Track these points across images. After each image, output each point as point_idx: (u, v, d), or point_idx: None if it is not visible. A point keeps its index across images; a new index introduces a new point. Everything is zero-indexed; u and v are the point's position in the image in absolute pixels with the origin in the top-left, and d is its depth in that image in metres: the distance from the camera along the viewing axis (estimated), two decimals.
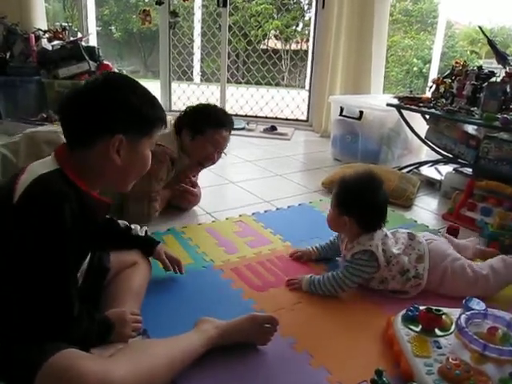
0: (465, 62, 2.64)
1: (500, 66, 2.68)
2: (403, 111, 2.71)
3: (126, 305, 1.25)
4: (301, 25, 11.12)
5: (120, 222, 1.50)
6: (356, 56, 3.70)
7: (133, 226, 1.53)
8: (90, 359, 0.94)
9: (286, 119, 4.43)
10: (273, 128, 4.02)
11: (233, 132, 2.03)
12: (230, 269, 1.68)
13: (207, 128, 1.97)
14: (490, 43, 2.71)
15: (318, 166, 3.14)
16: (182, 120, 2.05)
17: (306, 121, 4.35)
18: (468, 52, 9.15)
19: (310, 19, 8.16)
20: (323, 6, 3.89)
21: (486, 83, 2.38)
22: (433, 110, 2.53)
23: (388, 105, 2.72)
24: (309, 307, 1.48)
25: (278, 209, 2.30)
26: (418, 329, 1.28)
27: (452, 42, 9.41)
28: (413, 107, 2.62)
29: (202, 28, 5.04)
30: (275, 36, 10.92)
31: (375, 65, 3.68)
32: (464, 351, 1.18)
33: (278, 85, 5.60)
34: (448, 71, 2.68)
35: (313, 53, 4.19)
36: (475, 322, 1.24)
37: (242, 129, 4.04)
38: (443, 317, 1.27)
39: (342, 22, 3.72)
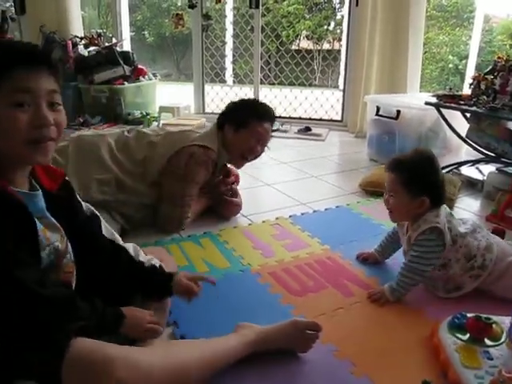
0: (508, 56, 2.53)
1: None
2: (442, 110, 2.63)
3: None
4: (332, 24, 11.01)
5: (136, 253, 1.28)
6: (391, 54, 3.62)
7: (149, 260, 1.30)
8: (115, 346, 0.92)
9: (321, 120, 4.39)
10: (307, 129, 3.98)
11: None
12: (267, 273, 1.66)
13: (250, 120, 1.97)
14: None
15: (353, 167, 3.09)
16: (224, 115, 2.06)
17: (341, 121, 4.29)
18: (507, 46, 8.85)
19: (342, 18, 8.05)
20: (357, 4, 3.83)
21: None
22: (474, 108, 2.44)
23: (427, 103, 2.64)
24: (350, 313, 1.44)
25: (314, 211, 2.27)
26: (465, 338, 1.22)
27: (490, 37, 9.13)
28: (453, 105, 2.53)
29: (234, 30, 5.04)
30: (307, 36, 10.85)
31: (411, 63, 3.59)
32: None
33: (310, 85, 5.54)
34: (490, 67, 2.57)
35: (346, 52, 4.13)
36: None
37: (276, 130, 4.00)
38: (493, 325, 1.21)
39: (376, 20, 3.65)
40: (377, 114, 3.02)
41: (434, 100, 2.64)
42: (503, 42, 9.11)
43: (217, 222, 2.10)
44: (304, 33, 10.92)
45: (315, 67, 8.98)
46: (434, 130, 2.85)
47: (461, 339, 1.22)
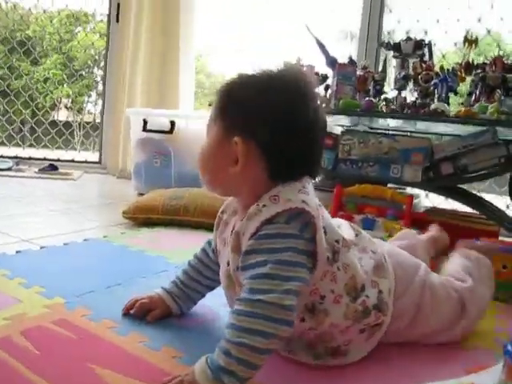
0: (298, 58, 2.02)
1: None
2: None
3: None
4: (94, 95, 10.04)
5: None
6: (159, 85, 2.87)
7: None
8: None
9: (73, 161, 3.30)
10: (52, 167, 2.86)
11: None
12: None
13: None
14: (319, 45, 2.19)
15: (115, 201, 2.11)
16: None
17: (99, 162, 3.29)
18: None
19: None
20: (117, 20, 3.01)
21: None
22: None
23: (210, 105, 1.91)
24: None
25: (42, 247, 1.20)
26: None
27: None
28: None
29: None
30: (65, 106, 9.64)
31: (183, 89, 2.90)
32: None
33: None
34: None
35: (104, 79, 3.23)
36: None
37: (8, 169, 2.78)
38: None
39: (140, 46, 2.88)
40: (144, 130, 2.15)
41: None
42: None
43: None
44: (63, 101, 9.69)
45: (75, 140, 7.79)
46: None
47: None
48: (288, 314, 0.58)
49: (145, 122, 2.14)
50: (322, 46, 2.17)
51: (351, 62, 2.03)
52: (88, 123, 8.33)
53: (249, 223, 0.64)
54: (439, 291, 0.77)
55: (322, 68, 2.10)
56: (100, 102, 6.99)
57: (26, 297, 0.85)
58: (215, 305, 0.85)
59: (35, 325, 0.73)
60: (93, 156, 3.37)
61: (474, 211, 1.59)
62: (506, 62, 1.63)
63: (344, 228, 0.78)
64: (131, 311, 0.81)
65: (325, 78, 2.02)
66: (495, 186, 2.09)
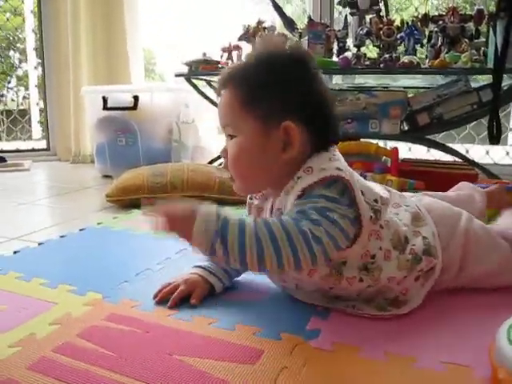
0: (259, 20, 1.95)
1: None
2: (199, 83, 1.83)
3: None
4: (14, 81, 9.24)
5: None
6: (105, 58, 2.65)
7: None
8: None
9: (18, 151, 3.03)
10: (0, 159, 2.62)
11: None
12: None
13: None
14: (276, 7, 2.12)
15: (85, 186, 1.98)
16: None
17: (48, 149, 3.05)
18: None
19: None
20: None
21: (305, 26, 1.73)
22: None
23: (177, 75, 1.81)
24: None
25: (41, 243, 1.09)
26: None
27: None
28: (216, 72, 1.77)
29: None
30: None
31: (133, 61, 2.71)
32: None
33: None
34: (241, 33, 1.94)
35: (43, 68, 2.95)
36: None
37: None
38: None
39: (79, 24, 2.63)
40: (105, 108, 2.00)
41: (185, 70, 1.82)
42: None
43: None
44: None
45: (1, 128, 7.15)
46: (189, 117, 2.03)
47: None
48: (311, 243, 0.58)
49: (104, 100, 1.99)
50: (278, 9, 2.12)
51: (310, 20, 1.99)
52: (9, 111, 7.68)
53: (287, 197, 0.65)
54: (483, 238, 0.77)
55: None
56: (22, 88, 6.37)
57: (58, 297, 0.77)
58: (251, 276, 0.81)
59: (89, 325, 0.66)
60: (41, 144, 3.11)
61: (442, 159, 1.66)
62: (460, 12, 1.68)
63: (377, 188, 0.77)
64: (172, 297, 0.74)
65: (287, 38, 1.98)
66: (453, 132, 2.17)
